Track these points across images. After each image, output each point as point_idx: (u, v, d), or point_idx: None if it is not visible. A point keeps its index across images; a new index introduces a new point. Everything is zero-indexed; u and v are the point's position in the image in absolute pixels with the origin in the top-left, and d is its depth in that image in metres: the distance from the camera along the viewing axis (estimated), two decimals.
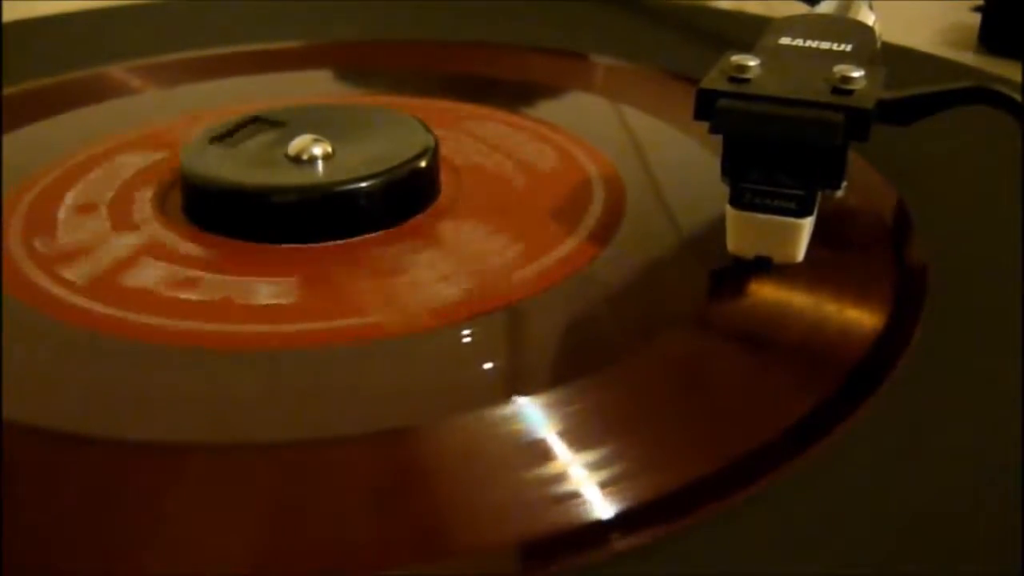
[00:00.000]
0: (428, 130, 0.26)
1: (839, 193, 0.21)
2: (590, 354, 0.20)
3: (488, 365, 0.19)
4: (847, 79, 0.20)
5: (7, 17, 0.40)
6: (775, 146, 0.20)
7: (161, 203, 0.25)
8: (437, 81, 0.34)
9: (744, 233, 0.21)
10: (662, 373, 0.19)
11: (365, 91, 0.34)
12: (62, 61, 0.35)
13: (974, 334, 0.20)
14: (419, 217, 0.24)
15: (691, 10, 0.42)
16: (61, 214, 0.25)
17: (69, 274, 0.22)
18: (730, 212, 0.21)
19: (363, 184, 0.24)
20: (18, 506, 0.16)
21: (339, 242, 0.23)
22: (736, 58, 0.21)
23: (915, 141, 0.24)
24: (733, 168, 0.21)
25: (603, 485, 0.16)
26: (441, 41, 0.38)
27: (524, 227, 0.24)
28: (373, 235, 0.23)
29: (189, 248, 0.23)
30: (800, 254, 0.21)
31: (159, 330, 0.20)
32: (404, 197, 0.24)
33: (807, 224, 0.21)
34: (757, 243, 0.21)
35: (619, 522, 0.16)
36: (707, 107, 0.20)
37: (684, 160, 0.27)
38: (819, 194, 0.21)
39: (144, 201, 0.25)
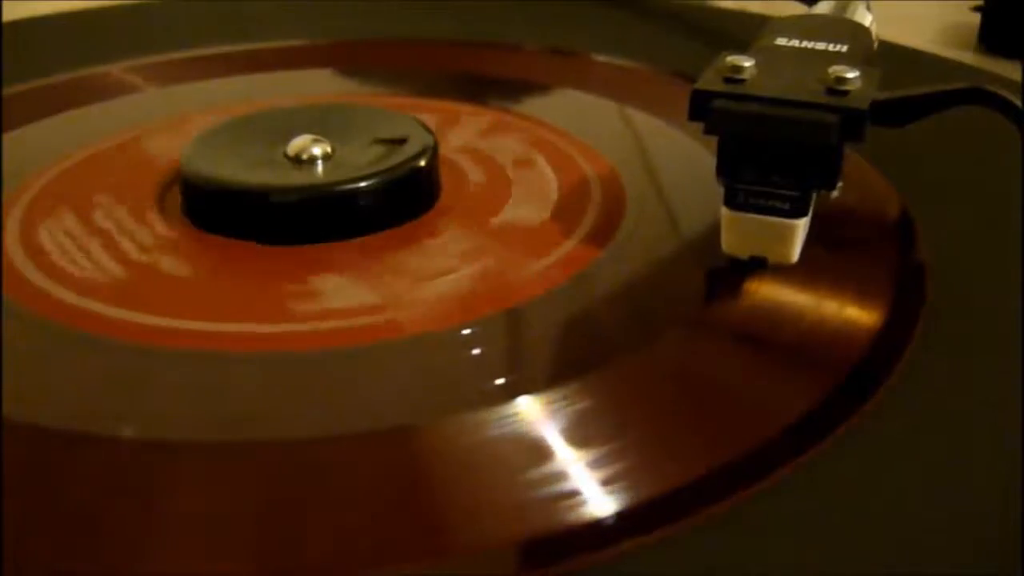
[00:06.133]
0: (428, 130, 0.26)
1: (835, 194, 0.21)
2: (590, 353, 0.20)
3: (489, 364, 0.19)
4: (842, 80, 0.20)
5: (7, 17, 0.40)
6: (770, 147, 0.20)
7: (161, 203, 0.25)
8: (437, 81, 0.34)
9: (739, 234, 0.21)
10: (662, 372, 0.19)
11: (365, 91, 0.34)
12: (62, 61, 0.35)
13: (974, 334, 0.20)
14: (419, 217, 0.24)
15: (691, 10, 0.42)
16: (61, 214, 0.25)
17: (68, 274, 0.22)
18: (725, 212, 0.21)
19: (363, 184, 0.24)
20: (18, 506, 0.16)
21: (339, 242, 0.23)
22: (731, 58, 0.21)
23: (915, 141, 0.24)
24: (728, 169, 0.21)
25: (603, 484, 0.16)
26: (441, 41, 0.38)
27: (524, 227, 0.24)
28: (373, 235, 0.23)
29: (188, 248, 0.23)
30: (795, 255, 0.21)
31: (159, 330, 0.20)
32: (404, 197, 0.24)
33: (802, 225, 0.21)
34: (752, 244, 0.21)
35: (619, 521, 0.16)
36: (702, 108, 0.20)
37: (684, 160, 0.27)
38: (814, 195, 0.21)
39: (144, 201, 0.25)
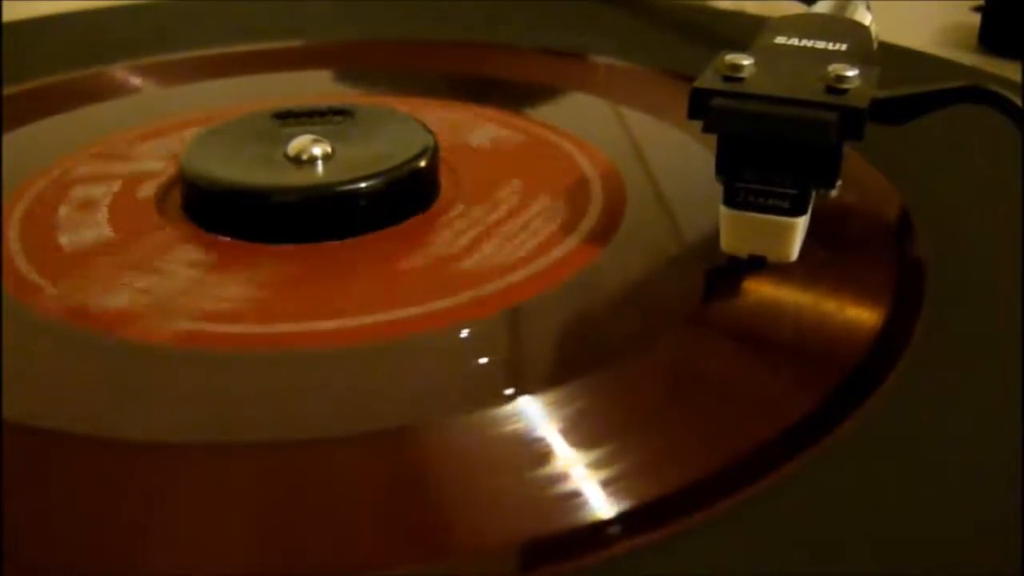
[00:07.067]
0: (428, 130, 0.26)
1: (833, 193, 0.21)
2: (591, 353, 0.20)
3: (489, 365, 0.19)
4: (841, 78, 0.20)
5: (7, 17, 0.40)
6: (769, 145, 0.20)
7: (161, 203, 0.25)
8: (437, 81, 0.34)
9: (738, 232, 0.21)
10: (662, 372, 0.19)
11: (365, 91, 0.34)
12: (62, 61, 0.35)
13: (974, 333, 0.20)
14: (419, 217, 0.24)
15: (691, 10, 0.42)
16: (61, 214, 0.25)
17: (69, 274, 0.22)
18: (724, 211, 0.21)
19: (363, 184, 0.24)
20: (18, 506, 0.16)
21: (339, 242, 0.23)
22: (730, 57, 0.21)
23: (915, 141, 0.24)
24: (727, 167, 0.21)
25: (604, 484, 0.16)
26: (441, 41, 0.38)
27: (524, 227, 0.24)
28: (373, 235, 0.23)
29: (189, 248, 0.23)
30: (794, 253, 0.21)
31: (159, 330, 0.20)
32: (404, 197, 0.24)
33: (801, 223, 0.21)
34: (751, 242, 0.21)
35: (620, 521, 0.16)
36: (701, 106, 0.20)
37: (683, 160, 0.27)
38: (813, 193, 0.21)
39: (144, 201, 0.25)
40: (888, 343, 0.20)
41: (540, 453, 0.17)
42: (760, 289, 0.21)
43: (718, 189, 0.21)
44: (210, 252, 0.23)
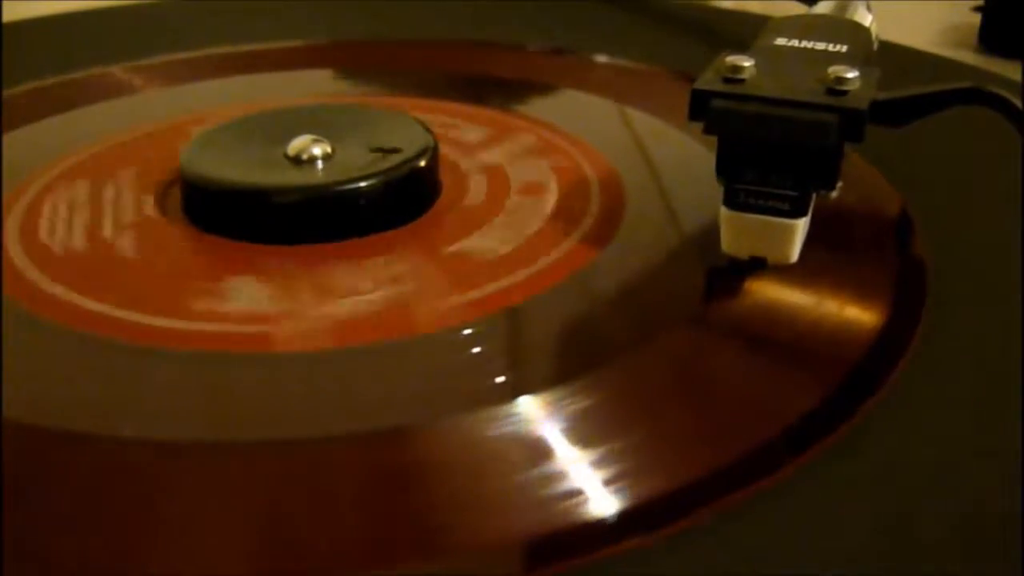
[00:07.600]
0: (428, 130, 0.26)
1: (834, 194, 0.21)
2: (591, 353, 0.20)
3: (489, 364, 0.19)
4: (841, 80, 0.20)
5: (7, 17, 0.40)
6: (769, 147, 0.20)
7: (161, 203, 0.25)
8: (437, 81, 0.34)
9: (738, 233, 0.21)
10: (663, 372, 0.19)
11: (365, 91, 0.34)
12: (62, 61, 0.35)
13: (974, 334, 0.20)
14: (419, 217, 0.24)
15: (691, 10, 0.42)
16: (61, 214, 0.25)
17: (68, 274, 0.22)
18: (724, 212, 0.21)
19: (363, 184, 0.24)
20: (18, 505, 0.16)
21: (339, 242, 0.23)
22: (731, 58, 0.21)
23: (915, 141, 0.24)
24: (727, 168, 0.21)
25: (605, 483, 0.16)
26: (441, 41, 0.38)
27: (524, 227, 0.24)
28: (373, 235, 0.23)
29: (189, 248, 0.23)
30: (794, 255, 0.21)
31: (159, 330, 0.20)
32: (404, 197, 0.24)
33: (801, 225, 0.21)
34: (751, 244, 0.21)
35: (621, 520, 0.16)
36: (701, 107, 0.20)
37: (684, 160, 0.27)
38: (813, 195, 0.21)
39: (144, 201, 0.25)
40: (889, 343, 0.20)
41: (541, 452, 0.17)
42: (760, 289, 0.21)
43: (718, 189, 0.21)
44: (210, 253, 0.23)
